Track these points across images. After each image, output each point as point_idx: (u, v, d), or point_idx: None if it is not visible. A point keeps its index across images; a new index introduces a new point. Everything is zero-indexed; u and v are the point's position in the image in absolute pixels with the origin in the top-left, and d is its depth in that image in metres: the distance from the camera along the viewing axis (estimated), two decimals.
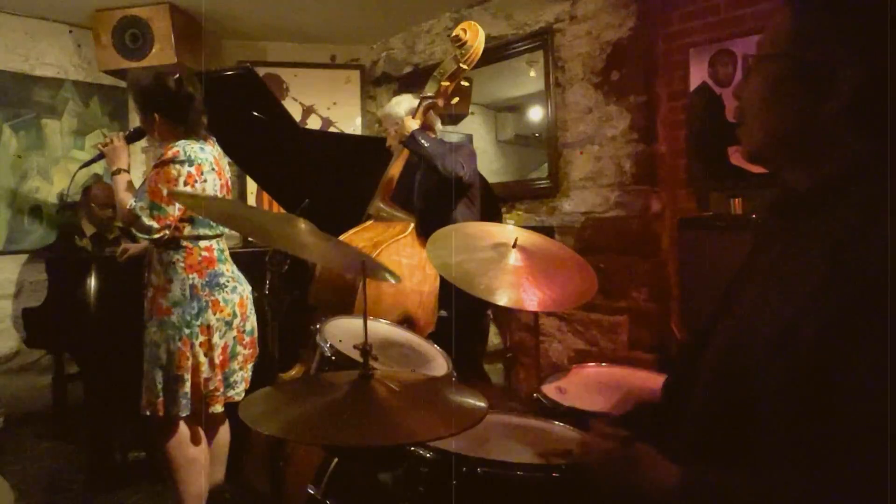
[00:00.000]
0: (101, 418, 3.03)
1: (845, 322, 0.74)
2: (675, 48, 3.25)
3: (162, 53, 4.07)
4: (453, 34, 2.50)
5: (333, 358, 1.62)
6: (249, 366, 2.41)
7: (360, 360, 1.16)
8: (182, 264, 2.25)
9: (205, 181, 2.29)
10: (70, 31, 4.43)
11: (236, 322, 2.33)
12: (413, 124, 2.53)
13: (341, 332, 1.76)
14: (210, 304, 2.26)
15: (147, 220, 2.19)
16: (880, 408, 0.70)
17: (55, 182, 4.38)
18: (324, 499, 1.47)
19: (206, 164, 2.30)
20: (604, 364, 1.91)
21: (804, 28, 0.88)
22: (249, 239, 3.50)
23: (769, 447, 0.81)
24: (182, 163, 2.23)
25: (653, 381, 1.64)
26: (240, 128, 3.03)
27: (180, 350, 2.20)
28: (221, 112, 2.96)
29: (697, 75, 3.15)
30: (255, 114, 2.99)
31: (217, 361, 2.26)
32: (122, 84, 4.65)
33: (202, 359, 2.23)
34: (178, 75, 2.35)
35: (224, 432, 2.52)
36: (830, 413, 0.74)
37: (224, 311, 2.28)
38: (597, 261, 2.83)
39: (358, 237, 2.46)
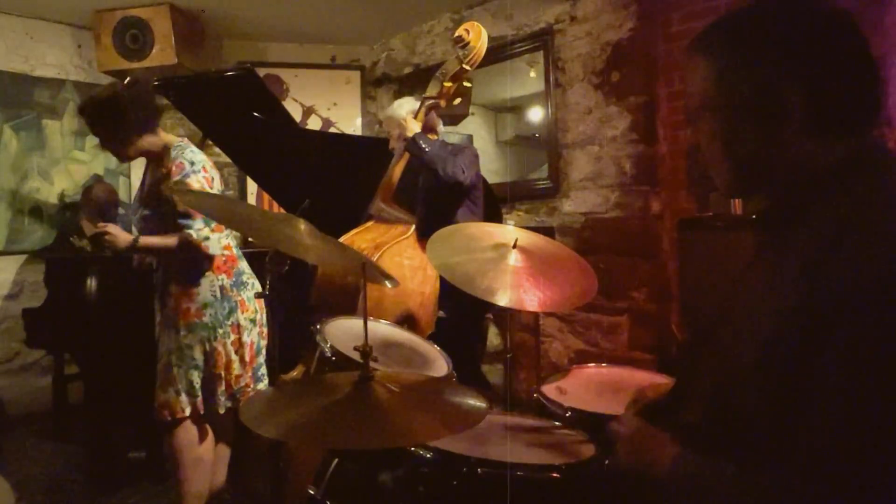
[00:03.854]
0: (101, 418, 3.04)
1: (817, 335, 0.75)
2: (676, 48, 3.25)
3: (162, 54, 4.07)
4: (456, 34, 2.49)
5: (334, 359, 1.62)
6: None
7: (361, 361, 1.17)
8: (207, 266, 2.24)
9: (213, 179, 2.27)
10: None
11: (258, 318, 2.36)
12: (415, 126, 2.52)
13: (341, 332, 1.76)
14: (238, 303, 2.28)
15: (216, 239, 2.20)
16: (849, 415, 0.72)
17: (55, 182, 4.38)
18: (324, 499, 1.47)
19: (206, 163, 2.26)
20: (604, 364, 1.91)
21: (727, 69, 0.89)
22: (249, 239, 3.50)
23: (756, 450, 0.83)
24: (195, 172, 2.20)
25: (653, 381, 1.64)
26: (240, 128, 3.03)
27: (217, 350, 2.22)
28: (222, 113, 2.97)
29: None
30: (256, 114, 2.99)
31: (247, 359, 2.30)
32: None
33: (233, 357, 2.26)
34: (128, 79, 2.31)
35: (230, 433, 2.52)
36: (805, 419, 0.76)
37: (249, 311, 2.31)
38: (597, 261, 2.83)
39: (360, 238, 2.47)
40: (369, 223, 2.58)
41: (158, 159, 2.30)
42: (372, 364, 1.17)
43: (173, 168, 2.20)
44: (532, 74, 3.97)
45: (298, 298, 2.54)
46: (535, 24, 3.87)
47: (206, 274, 2.23)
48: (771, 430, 0.80)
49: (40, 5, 4.13)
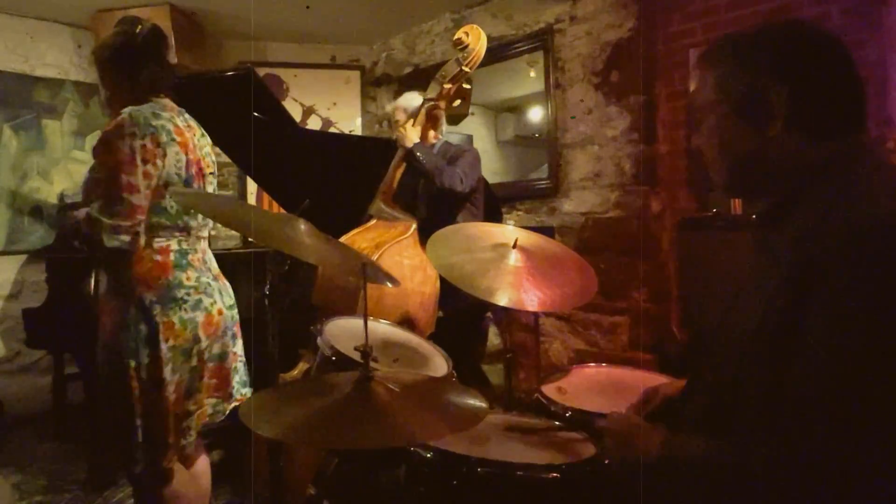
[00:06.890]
0: (102, 418, 3.03)
1: (805, 299, 0.83)
2: (675, 48, 3.25)
3: None
4: (455, 37, 2.53)
5: (334, 359, 1.62)
6: (210, 401, 1.89)
7: (361, 361, 1.17)
8: (125, 273, 1.73)
9: (164, 156, 1.76)
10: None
11: (197, 348, 1.79)
12: (414, 135, 2.55)
13: (342, 332, 1.76)
14: (162, 326, 1.72)
15: (113, 227, 1.65)
16: (832, 370, 0.79)
17: (55, 182, 4.38)
18: (324, 499, 1.47)
19: (163, 134, 1.77)
20: (604, 364, 1.91)
21: (725, 76, 1.00)
22: (249, 239, 3.51)
23: (749, 426, 0.89)
24: (132, 135, 1.69)
25: (653, 381, 1.64)
26: (240, 128, 3.03)
27: (129, 387, 1.71)
28: (222, 113, 2.96)
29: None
30: (256, 114, 2.99)
31: (167, 403, 1.75)
32: None
33: (152, 398, 1.76)
34: (151, 24, 2.02)
35: (201, 466, 2.04)
36: (790, 389, 0.82)
37: (179, 337, 1.75)
38: (597, 261, 2.83)
39: (360, 238, 2.47)
40: (370, 223, 2.58)
41: None
42: (372, 364, 1.17)
43: (111, 125, 1.73)
44: (532, 74, 3.97)
45: (298, 298, 2.54)
46: (535, 24, 3.87)
47: (124, 283, 1.74)
48: (766, 403, 0.86)
49: (40, 5, 4.12)
